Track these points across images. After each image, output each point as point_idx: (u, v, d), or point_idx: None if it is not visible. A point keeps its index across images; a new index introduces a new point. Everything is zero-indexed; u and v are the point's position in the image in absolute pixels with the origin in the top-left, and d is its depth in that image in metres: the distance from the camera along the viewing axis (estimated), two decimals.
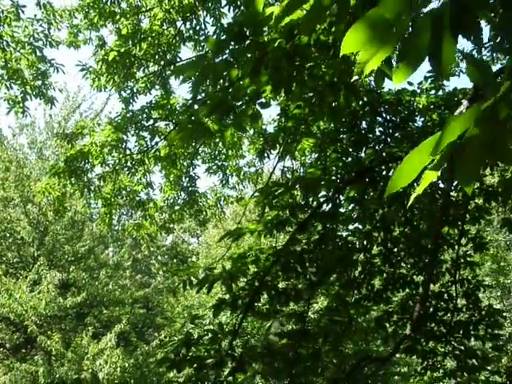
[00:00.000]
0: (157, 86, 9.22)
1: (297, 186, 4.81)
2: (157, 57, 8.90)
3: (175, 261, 18.54)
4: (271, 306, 5.29)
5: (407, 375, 13.40)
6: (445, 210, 5.02)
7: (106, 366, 14.65)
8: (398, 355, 12.68)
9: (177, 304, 18.74)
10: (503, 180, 5.89)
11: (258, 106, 4.43)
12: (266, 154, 7.41)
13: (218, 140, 7.43)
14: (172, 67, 8.79)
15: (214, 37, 8.41)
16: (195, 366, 4.93)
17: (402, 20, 1.55)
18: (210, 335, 5.24)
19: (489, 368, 7.84)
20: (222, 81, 4.19)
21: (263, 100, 4.46)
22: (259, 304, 5.36)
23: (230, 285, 5.00)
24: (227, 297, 5.18)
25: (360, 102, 6.48)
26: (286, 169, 7.71)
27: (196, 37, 9.11)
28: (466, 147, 1.33)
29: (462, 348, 7.03)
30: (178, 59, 9.03)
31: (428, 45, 1.52)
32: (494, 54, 6.74)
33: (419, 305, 3.80)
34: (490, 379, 7.78)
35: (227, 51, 4.02)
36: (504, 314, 15.21)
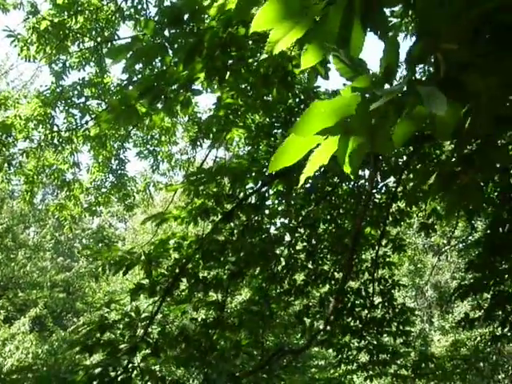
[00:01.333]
0: (91, 63, 8.83)
1: (225, 176, 4.79)
2: (93, 32, 8.51)
3: (100, 245, 18.01)
4: (190, 293, 5.25)
5: (324, 368, 13.84)
6: (367, 210, 5.18)
7: (17, 352, 13.96)
8: (316, 349, 13.11)
9: (99, 289, 18.24)
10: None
11: (190, 93, 4.36)
12: (198, 143, 7.32)
13: (148, 124, 7.25)
14: (109, 45, 8.45)
15: (156, 18, 8.19)
16: (108, 350, 4.82)
17: (315, 3, 1.56)
18: (126, 320, 5.14)
19: (398, 362, 8.27)
20: (155, 65, 4.10)
21: (197, 87, 4.40)
22: (178, 291, 5.32)
23: (149, 270, 4.91)
24: (146, 282, 5.09)
25: (297, 100, 6.58)
26: (218, 159, 7.65)
27: (137, 16, 8.81)
28: (351, 134, 1.37)
29: (375, 343, 7.37)
30: (116, 37, 8.68)
31: (338, 31, 1.53)
32: None
33: (334, 300, 3.91)
34: (398, 372, 8.21)
35: (162, 35, 3.92)
36: (417, 313, 16.11)
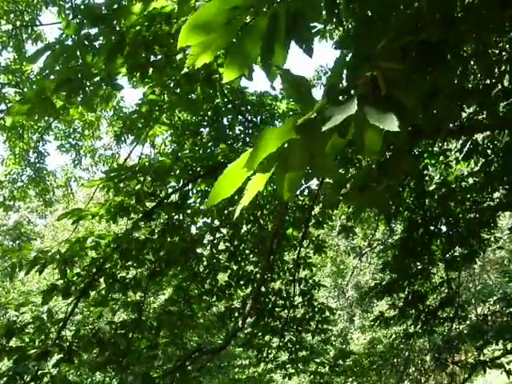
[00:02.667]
0: (10, 48, 8.31)
1: (146, 174, 4.67)
2: (12, 15, 8.02)
3: (17, 242, 16.97)
4: (108, 293, 5.08)
5: (245, 367, 13.89)
6: (288, 212, 5.25)
7: None
8: (241, 348, 13.18)
9: (13, 289, 17.20)
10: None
11: (111, 88, 4.22)
12: (123, 138, 7.10)
13: (66, 117, 6.94)
14: (29, 30, 8.00)
15: (82, 7, 7.84)
16: (16, 357, 4.54)
17: (236, 17, 1.53)
18: (37, 323, 4.88)
19: (317, 360, 8.49)
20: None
21: (122, 81, 4.27)
22: (95, 291, 5.13)
23: (63, 269, 4.69)
24: (60, 282, 4.86)
25: (225, 99, 6.55)
26: (144, 156, 7.47)
27: (61, 2, 8.41)
28: (288, 158, 1.34)
29: (295, 341, 7.52)
30: (38, 23, 8.25)
31: (260, 45, 1.52)
32: None
33: (252, 300, 3.93)
34: (317, 370, 8.43)
35: (83, 33, 3.77)
36: (339, 312, 16.61)
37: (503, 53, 6.36)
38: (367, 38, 1.63)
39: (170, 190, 4.95)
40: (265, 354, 7.56)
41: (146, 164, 4.64)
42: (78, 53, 3.66)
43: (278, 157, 1.29)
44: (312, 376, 8.40)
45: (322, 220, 6.72)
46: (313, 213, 6.47)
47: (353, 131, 1.36)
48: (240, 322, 4.53)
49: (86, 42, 3.71)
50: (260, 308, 6.71)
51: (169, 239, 5.04)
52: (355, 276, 15.66)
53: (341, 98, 1.42)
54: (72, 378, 10.37)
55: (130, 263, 5.02)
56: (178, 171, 4.84)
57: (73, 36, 3.80)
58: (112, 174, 4.53)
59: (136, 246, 4.83)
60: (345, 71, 1.55)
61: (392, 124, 1.17)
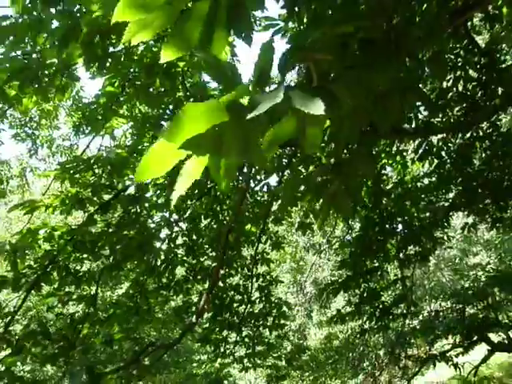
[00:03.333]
0: None
1: (103, 166, 4.58)
2: None
3: None
4: (61, 286, 4.98)
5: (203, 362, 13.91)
6: (245, 207, 5.26)
7: None
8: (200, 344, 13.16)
9: None
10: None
11: (67, 78, 4.12)
12: (82, 129, 6.95)
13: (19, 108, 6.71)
14: None
15: None
16: None
17: None
18: None
19: (274, 355, 8.58)
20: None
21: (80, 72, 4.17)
22: (48, 284, 5.01)
23: (14, 261, 4.56)
24: (10, 275, 4.73)
25: (187, 93, 6.50)
26: (103, 147, 7.34)
27: None
28: (223, 143, 1.33)
29: (253, 336, 7.57)
30: None
31: (200, 30, 1.50)
32: None
33: (205, 295, 3.93)
34: (275, 364, 8.53)
35: (35, 13, 3.64)
36: (297, 308, 16.81)
37: (459, 59, 6.56)
38: (304, 30, 1.65)
39: (127, 183, 4.87)
40: (222, 349, 7.58)
41: (103, 156, 4.55)
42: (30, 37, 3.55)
43: (211, 140, 1.25)
44: (269, 370, 8.51)
45: (281, 216, 6.77)
46: (272, 209, 6.51)
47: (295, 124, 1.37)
48: (194, 317, 4.52)
49: (39, 23, 3.60)
50: (218, 303, 6.73)
51: (125, 232, 4.97)
52: (314, 272, 15.88)
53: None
54: (25, 372, 10.14)
55: (84, 256, 4.93)
56: (135, 164, 4.77)
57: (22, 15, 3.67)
58: (67, 166, 4.43)
59: (91, 238, 4.74)
60: (277, 60, 1.56)
61: (317, 108, 1.15)
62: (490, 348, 9.22)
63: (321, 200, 2.75)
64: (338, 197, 2.20)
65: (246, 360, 7.77)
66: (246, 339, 7.52)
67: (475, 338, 9.17)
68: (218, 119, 1.25)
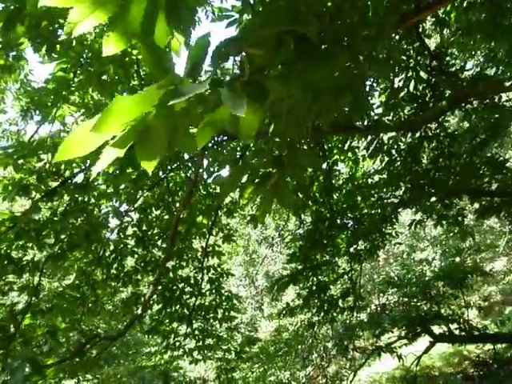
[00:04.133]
0: None
1: (49, 152, 4.43)
2: None
3: None
4: (1, 275, 4.80)
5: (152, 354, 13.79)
6: (194, 199, 5.23)
7: None
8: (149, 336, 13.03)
9: None
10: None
11: (12, 58, 3.97)
12: (30, 114, 6.70)
13: None
14: None
15: None
16: None
17: None
18: None
19: (224, 347, 8.62)
20: None
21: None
22: None
23: None
24: None
25: (142, 82, 6.38)
26: (52, 133, 7.09)
27: None
28: (150, 130, 1.32)
29: (203, 328, 7.58)
30: None
31: (141, 20, 1.48)
32: None
33: (152, 286, 3.89)
34: (224, 356, 8.57)
35: None
36: (249, 301, 16.90)
37: (410, 60, 6.74)
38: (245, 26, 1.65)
39: (75, 170, 4.74)
40: (172, 342, 7.54)
41: (48, 141, 4.40)
42: None
43: (139, 129, 1.27)
44: (219, 362, 8.53)
45: (233, 208, 6.78)
46: (224, 201, 6.51)
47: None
48: (140, 309, 4.47)
49: None
50: (167, 295, 6.68)
51: (72, 221, 4.84)
52: (266, 265, 16.01)
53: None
54: None
55: (28, 244, 4.76)
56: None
57: None
58: (10, 150, 4.26)
59: (35, 226, 4.59)
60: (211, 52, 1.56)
61: (239, 108, 1.19)
62: (432, 339, 9.58)
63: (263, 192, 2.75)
64: (280, 189, 2.22)
65: (196, 352, 7.77)
66: (196, 331, 7.51)
67: (419, 330, 9.50)
68: (146, 109, 1.28)
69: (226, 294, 7.31)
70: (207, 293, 7.21)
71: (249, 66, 1.62)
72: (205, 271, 6.92)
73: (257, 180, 2.19)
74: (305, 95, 2.00)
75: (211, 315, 7.39)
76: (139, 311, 4.47)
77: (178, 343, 7.63)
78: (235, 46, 1.67)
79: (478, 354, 9.91)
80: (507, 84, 5.38)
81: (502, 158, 7.71)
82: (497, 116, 7.12)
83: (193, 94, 1.23)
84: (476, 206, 8.00)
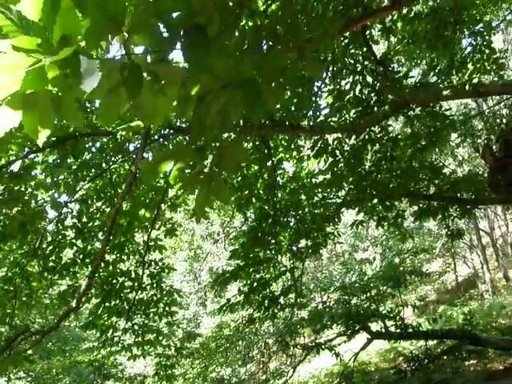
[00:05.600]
0: None
1: None
2: None
3: None
4: None
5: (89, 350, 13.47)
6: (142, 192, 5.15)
7: None
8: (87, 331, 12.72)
9: None
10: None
11: None
12: None
13: None
14: None
15: None
16: None
17: None
18: None
19: (164, 343, 8.56)
20: None
21: None
22: None
23: None
24: None
25: None
26: None
27: None
28: (35, 100, 1.30)
29: (142, 323, 7.47)
30: None
31: None
32: None
33: (88, 280, 3.80)
34: (164, 352, 8.50)
35: None
36: (192, 296, 16.82)
37: (357, 64, 6.92)
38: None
39: (10, 158, 4.55)
40: (110, 337, 7.39)
41: None
42: None
43: (25, 98, 1.26)
44: (158, 358, 8.44)
45: (177, 203, 6.72)
46: (168, 193, 6.44)
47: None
48: (74, 302, 4.35)
49: None
50: (106, 289, 6.54)
51: (5, 211, 4.64)
52: (210, 261, 15.98)
53: None
54: None
55: None
56: (19, 139, 4.46)
57: None
58: None
59: None
60: None
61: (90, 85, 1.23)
62: (369, 336, 9.89)
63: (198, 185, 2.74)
64: (216, 183, 2.22)
65: (134, 348, 7.65)
66: (136, 326, 7.40)
67: (357, 328, 9.79)
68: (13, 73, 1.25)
69: (167, 288, 7.24)
70: (148, 287, 7.10)
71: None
72: (146, 265, 6.82)
73: (187, 172, 2.18)
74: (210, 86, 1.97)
75: (151, 310, 7.30)
76: (73, 304, 4.35)
77: (116, 338, 7.49)
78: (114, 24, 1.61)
79: (412, 350, 10.31)
80: (445, 93, 5.62)
81: (440, 164, 8.07)
82: (437, 123, 7.42)
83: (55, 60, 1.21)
84: (414, 208, 8.31)
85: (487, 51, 7.89)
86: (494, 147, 5.89)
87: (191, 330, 12.72)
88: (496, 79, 9.00)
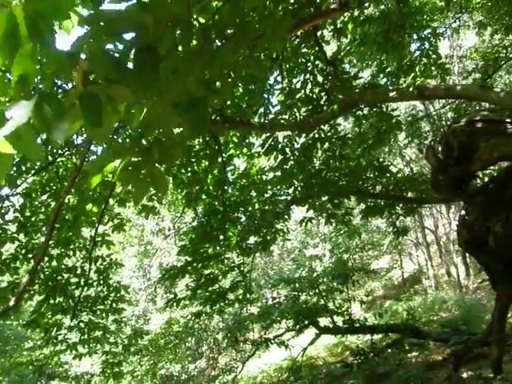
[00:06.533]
0: None
1: None
2: None
3: None
4: None
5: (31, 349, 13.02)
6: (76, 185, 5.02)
7: None
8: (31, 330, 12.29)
9: None
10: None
11: None
12: None
13: None
14: None
15: None
16: None
17: None
18: None
19: (111, 340, 8.41)
20: None
21: None
22: None
23: None
24: None
25: None
26: None
27: None
28: None
29: (88, 321, 7.30)
30: None
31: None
32: None
33: (28, 276, 3.69)
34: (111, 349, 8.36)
35: None
36: (141, 293, 16.56)
37: (308, 64, 7.02)
38: None
39: None
40: (54, 335, 7.18)
41: None
42: None
43: None
44: (105, 356, 8.28)
45: (126, 198, 6.60)
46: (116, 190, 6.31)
47: None
48: (13, 299, 4.20)
49: None
50: (51, 285, 6.35)
51: None
52: (161, 257, 15.80)
53: None
54: None
55: None
56: None
57: None
58: None
59: None
60: None
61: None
62: (317, 331, 10.08)
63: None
64: (156, 176, 2.22)
65: (80, 346, 7.47)
66: (82, 324, 7.23)
67: (306, 323, 9.96)
68: None
69: (115, 284, 7.11)
70: (95, 283, 6.95)
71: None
72: (93, 261, 6.67)
73: (129, 167, 2.18)
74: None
75: (98, 307, 7.15)
76: (11, 302, 4.20)
77: (60, 337, 7.29)
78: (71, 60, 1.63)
79: (358, 344, 10.58)
80: (391, 94, 5.78)
81: (387, 163, 8.30)
82: (384, 124, 7.64)
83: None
84: (362, 206, 8.53)
85: (434, 56, 8.19)
86: (438, 148, 6.12)
87: (139, 327, 12.53)
88: (442, 83, 9.38)
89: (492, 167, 8.28)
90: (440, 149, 5.92)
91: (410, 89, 5.45)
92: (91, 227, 6.56)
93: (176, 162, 6.53)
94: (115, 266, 7.06)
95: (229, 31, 2.91)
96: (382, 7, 8.32)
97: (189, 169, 6.43)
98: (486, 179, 7.02)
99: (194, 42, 2.34)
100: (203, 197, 6.65)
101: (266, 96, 6.76)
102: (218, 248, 7.15)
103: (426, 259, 19.52)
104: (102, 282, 6.93)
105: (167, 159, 2.40)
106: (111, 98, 1.53)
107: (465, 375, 6.46)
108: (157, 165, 2.42)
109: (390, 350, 9.70)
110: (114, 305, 7.11)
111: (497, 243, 5.63)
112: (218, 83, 2.39)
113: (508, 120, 4.89)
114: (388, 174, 7.80)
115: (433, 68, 8.42)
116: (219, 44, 2.81)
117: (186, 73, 1.76)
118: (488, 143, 5.12)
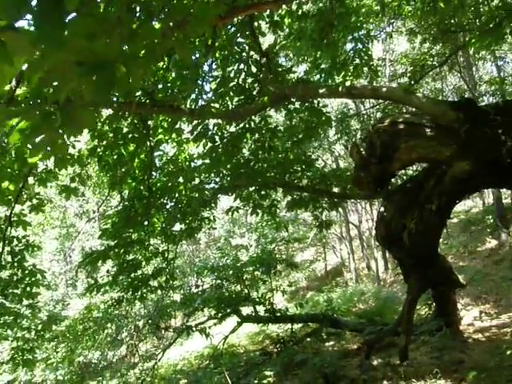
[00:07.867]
0: None
1: None
2: None
3: None
4: None
5: None
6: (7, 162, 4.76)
7: None
8: None
9: None
10: None
11: None
12: None
13: None
14: None
15: None
16: None
17: None
18: None
19: (24, 325, 8.06)
20: None
21: None
22: None
23: None
24: None
25: None
26: None
27: None
28: None
29: None
30: None
31: None
32: None
33: None
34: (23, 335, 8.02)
35: None
36: (62, 277, 15.95)
37: (243, 53, 7.03)
38: None
39: None
40: None
41: None
42: None
43: None
44: (15, 342, 7.93)
45: (47, 177, 6.33)
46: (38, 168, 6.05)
47: None
48: None
49: None
50: None
51: None
52: (84, 240, 15.28)
53: None
54: None
55: None
56: None
57: None
58: None
59: None
60: None
61: None
62: (239, 320, 10.20)
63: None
64: (56, 144, 2.15)
65: None
66: None
67: (228, 311, 10.04)
68: None
69: (30, 268, 6.80)
70: (8, 265, 6.61)
71: None
72: (7, 242, 6.33)
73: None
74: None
75: (11, 291, 6.81)
76: None
77: None
78: None
79: (279, 333, 10.82)
80: (321, 91, 5.92)
81: (313, 157, 8.51)
82: (314, 119, 7.81)
83: None
84: (288, 198, 8.69)
85: (365, 57, 8.46)
86: (363, 146, 6.35)
87: (56, 312, 12.07)
88: (372, 84, 9.74)
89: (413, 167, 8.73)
90: (364, 147, 6.16)
91: (340, 87, 5.63)
92: (7, 206, 6.22)
93: (102, 143, 6.34)
94: (32, 248, 6.74)
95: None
96: (321, 5, 8.49)
97: (116, 151, 6.26)
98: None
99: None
100: (129, 181, 6.49)
101: (199, 83, 6.70)
102: (142, 234, 7.03)
103: (349, 253, 20.29)
104: (16, 264, 6.60)
105: (73, 126, 2.28)
106: (3, 44, 1.46)
107: (375, 362, 6.80)
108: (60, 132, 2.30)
109: (308, 339, 10.00)
110: (29, 289, 6.80)
111: (410, 240, 5.99)
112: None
113: (427, 124, 5.18)
114: (314, 169, 8.00)
115: (364, 69, 8.69)
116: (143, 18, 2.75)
117: (93, 35, 1.71)
118: (407, 144, 5.40)
